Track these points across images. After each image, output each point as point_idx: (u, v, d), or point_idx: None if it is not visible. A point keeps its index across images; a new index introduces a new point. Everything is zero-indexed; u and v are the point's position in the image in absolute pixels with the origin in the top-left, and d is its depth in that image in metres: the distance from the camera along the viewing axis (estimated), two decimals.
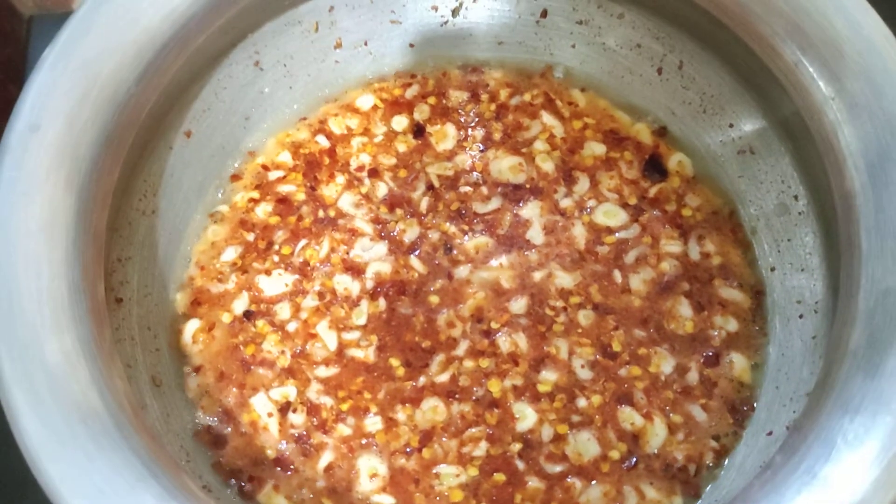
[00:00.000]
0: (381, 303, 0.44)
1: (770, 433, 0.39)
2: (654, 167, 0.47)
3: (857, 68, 0.36)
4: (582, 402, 0.42)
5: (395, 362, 0.42)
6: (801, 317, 0.41)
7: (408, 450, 0.41)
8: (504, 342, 0.43)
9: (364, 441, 0.41)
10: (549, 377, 0.42)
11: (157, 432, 0.39)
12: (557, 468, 0.40)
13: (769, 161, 0.44)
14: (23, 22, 0.63)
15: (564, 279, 0.44)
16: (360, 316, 0.43)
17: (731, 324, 0.43)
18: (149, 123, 0.41)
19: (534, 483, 0.40)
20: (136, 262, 0.42)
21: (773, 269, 0.44)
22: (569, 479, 0.40)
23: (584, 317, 0.43)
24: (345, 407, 0.42)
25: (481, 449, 0.41)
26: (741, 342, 0.43)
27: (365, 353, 0.43)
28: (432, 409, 0.42)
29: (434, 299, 0.44)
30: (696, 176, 0.47)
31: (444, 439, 0.41)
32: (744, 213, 0.45)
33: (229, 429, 0.41)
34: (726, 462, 0.41)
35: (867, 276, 0.33)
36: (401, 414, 0.41)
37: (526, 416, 0.41)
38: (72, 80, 0.36)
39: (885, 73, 0.35)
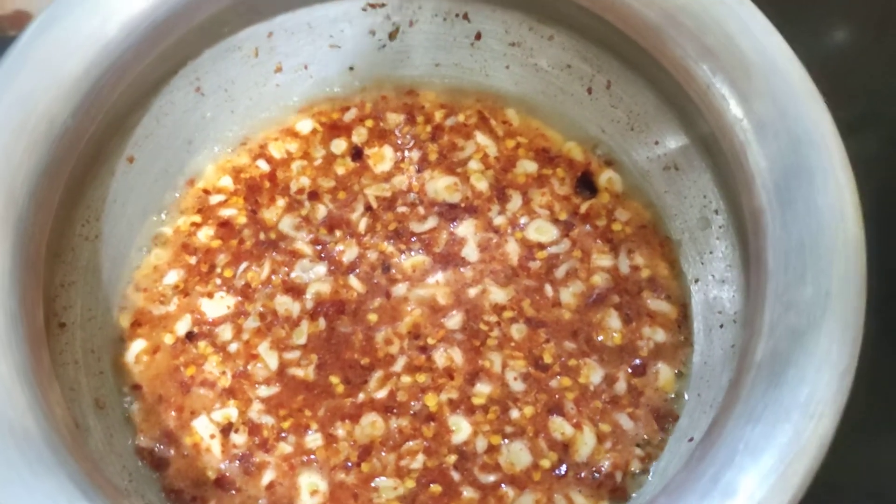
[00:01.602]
0: (321, 322, 0.45)
1: (691, 439, 0.41)
2: (586, 184, 0.48)
3: (763, 89, 0.38)
4: (515, 414, 0.43)
5: (334, 380, 0.44)
6: (721, 326, 0.43)
7: (348, 464, 0.42)
8: (440, 357, 0.44)
9: (305, 458, 0.42)
10: (483, 390, 0.43)
11: (100, 454, 0.40)
12: (491, 478, 0.42)
13: (692, 177, 0.46)
14: None
15: (498, 294, 0.46)
16: (301, 336, 0.45)
17: (659, 334, 0.45)
18: (90, 151, 0.42)
19: (468, 493, 0.42)
20: (80, 286, 0.43)
21: (696, 281, 0.46)
22: (502, 488, 0.42)
23: (517, 330, 0.45)
24: (286, 425, 0.43)
25: (418, 461, 0.42)
26: (668, 352, 0.45)
27: (305, 371, 0.44)
28: (371, 424, 0.43)
29: (373, 317, 0.45)
30: (625, 191, 0.48)
31: (382, 453, 0.42)
32: (670, 227, 0.47)
33: (171, 451, 0.43)
34: (651, 468, 0.42)
35: (771, 289, 0.35)
36: (340, 430, 0.43)
37: (461, 428, 0.43)
38: (7, 114, 0.37)
39: (788, 94, 0.37)
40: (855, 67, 0.57)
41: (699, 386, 0.43)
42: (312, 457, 0.42)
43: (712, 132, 0.41)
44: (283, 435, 0.43)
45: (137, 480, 0.41)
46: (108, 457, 0.40)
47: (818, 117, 0.37)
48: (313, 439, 0.43)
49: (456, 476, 0.42)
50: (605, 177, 0.49)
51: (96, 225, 0.44)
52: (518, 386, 0.44)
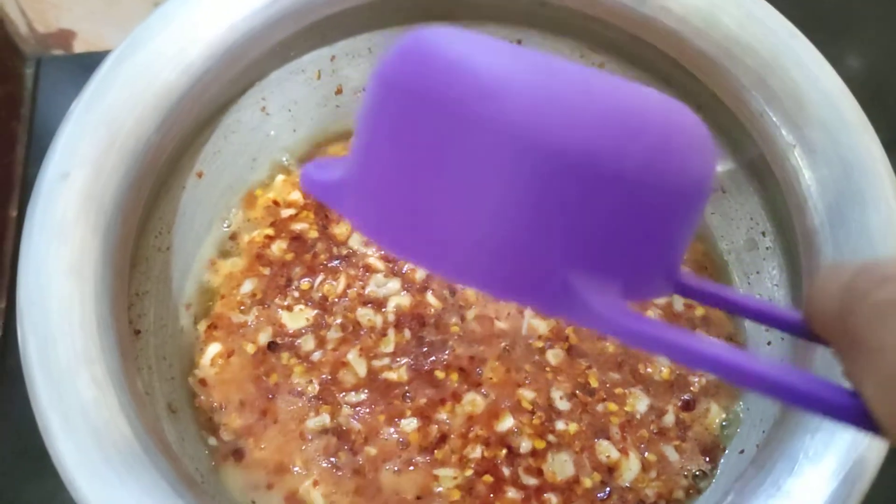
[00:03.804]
0: (407, 333, 0.47)
1: (742, 451, 0.43)
2: None
3: (816, 118, 0.40)
4: (560, 425, 0.45)
5: (440, 374, 0.46)
6: (769, 344, 0.45)
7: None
8: (488, 371, 0.46)
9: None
10: (528, 395, 0.45)
11: (177, 455, 0.41)
12: (532, 481, 0.43)
13: (739, 199, 0.48)
14: (24, 59, 0.66)
15: (540, 325, 0.47)
16: (388, 344, 0.46)
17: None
18: (165, 167, 0.44)
19: (512, 494, 0.43)
20: (153, 295, 0.45)
21: None
22: (545, 496, 0.43)
23: (554, 356, 0.46)
24: (381, 419, 0.45)
25: (477, 452, 0.44)
26: (719, 391, 0.46)
27: (398, 373, 0.46)
28: (471, 403, 0.45)
29: (455, 329, 0.47)
30: None
31: (452, 437, 0.44)
32: (716, 248, 0.49)
33: (250, 443, 0.44)
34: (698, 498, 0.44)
35: None
36: (443, 413, 0.45)
37: (505, 420, 0.44)
38: (97, 131, 0.39)
39: (840, 123, 0.39)
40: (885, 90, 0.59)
41: (748, 400, 0.44)
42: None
43: (762, 157, 0.43)
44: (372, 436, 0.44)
45: (209, 482, 0.43)
46: (182, 458, 0.42)
47: (868, 144, 0.39)
48: (408, 423, 0.44)
49: (506, 471, 0.43)
50: None
51: (168, 237, 0.46)
52: (564, 405, 0.45)
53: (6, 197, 0.61)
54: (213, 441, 0.45)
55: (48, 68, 0.66)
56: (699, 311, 0.48)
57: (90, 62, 0.65)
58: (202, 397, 0.45)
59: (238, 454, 0.44)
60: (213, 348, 0.46)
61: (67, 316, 0.36)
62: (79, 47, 0.67)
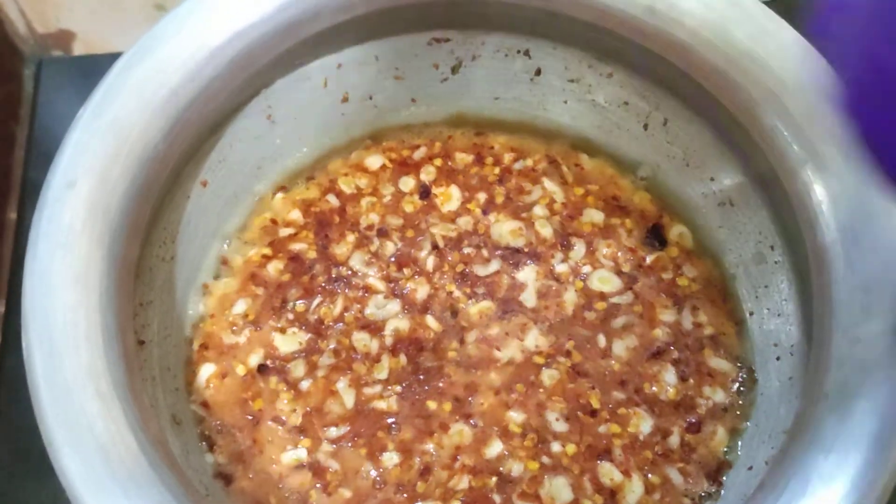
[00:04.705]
0: (402, 358, 0.46)
1: (750, 468, 0.43)
2: (656, 236, 0.50)
3: (829, 134, 0.39)
4: (556, 447, 0.44)
5: (431, 404, 0.45)
6: (778, 359, 0.45)
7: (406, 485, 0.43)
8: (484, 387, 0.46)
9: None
10: (516, 418, 0.45)
11: (181, 469, 0.41)
12: None
13: (747, 213, 0.47)
14: (23, 60, 0.66)
15: (541, 340, 0.47)
16: (382, 370, 0.46)
17: (719, 395, 0.46)
18: (171, 176, 0.44)
19: None
20: (156, 306, 0.45)
21: (751, 314, 0.47)
22: None
23: (549, 377, 0.46)
24: (362, 452, 0.44)
25: (464, 482, 0.43)
26: (726, 415, 0.46)
27: (387, 402, 0.45)
28: (458, 433, 0.44)
29: (453, 354, 0.46)
30: (696, 249, 0.50)
31: (436, 469, 0.44)
32: (724, 261, 0.49)
33: (241, 473, 0.44)
34: None
35: (838, 325, 0.37)
36: (429, 444, 0.44)
37: (493, 445, 0.44)
38: (105, 139, 0.39)
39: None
40: None
41: (757, 416, 0.44)
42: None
43: (772, 170, 0.42)
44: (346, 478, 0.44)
45: (214, 495, 0.42)
46: (186, 471, 0.41)
47: None
48: (389, 458, 0.44)
49: (497, 499, 0.43)
50: (677, 231, 0.50)
51: (172, 246, 0.46)
52: (560, 426, 0.45)
53: (5, 199, 0.60)
54: (209, 458, 0.44)
55: (49, 70, 0.65)
56: (707, 329, 0.47)
57: (91, 64, 0.65)
58: (203, 416, 0.45)
59: (227, 479, 0.44)
60: (207, 369, 0.46)
61: (73, 328, 0.35)
62: (78, 48, 0.67)
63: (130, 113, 0.39)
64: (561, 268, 0.49)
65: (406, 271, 0.49)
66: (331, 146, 0.52)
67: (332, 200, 0.51)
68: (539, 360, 0.46)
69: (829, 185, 0.39)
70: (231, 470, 0.44)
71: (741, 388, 0.46)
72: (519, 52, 0.51)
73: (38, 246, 0.37)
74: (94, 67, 0.64)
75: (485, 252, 0.49)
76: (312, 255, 0.49)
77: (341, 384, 0.46)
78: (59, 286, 0.36)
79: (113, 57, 0.41)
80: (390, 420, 0.45)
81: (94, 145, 0.38)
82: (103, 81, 0.40)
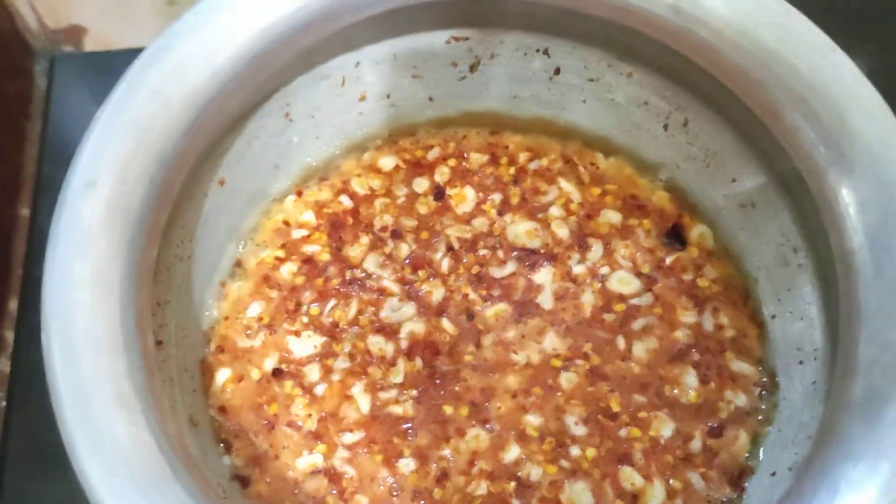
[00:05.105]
0: (418, 362, 0.46)
1: (773, 473, 0.42)
2: (675, 236, 0.49)
3: (857, 137, 0.39)
4: (575, 451, 0.44)
5: (448, 409, 0.45)
6: (801, 363, 0.44)
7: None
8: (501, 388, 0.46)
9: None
10: (533, 421, 0.45)
11: (201, 471, 0.41)
12: None
13: (769, 215, 0.47)
14: (33, 55, 0.66)
15: (558, 343, 0.47)
16: (398, 374, 0.46)
17: (741, 399, 0.45)
18: (189, 175, 0.43)
19: None
20: (174, 305, 0.44)
21: (773, 317, 0.47)
22: None
23: (566, 380, 0.45)
24: (377, 458, 0.44)
25: (482, 488, 0.43)
26: (748, 419, 0.45)
27: (403, 407, 0.45)
28: (475, 438, 0.44)
29: (469, 358, 0.46)
30: (716, 249, 0.49)
31: (455, 476, 0.43)
32: (745, 264, 0.48)
33: (256, 473, 0.43)
34: None
35: (866, 330, 0.36)
36: (446, 449, 0.44)
37: (510, 449, 0.44)
38: (124, 137, 0.38)
39: (880, 140, 0.38)
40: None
41: (780, 421, 0.44)
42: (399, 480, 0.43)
43: (795, 171, 0.42)
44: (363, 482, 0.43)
45: (231, 497, 0.42)
46: (205, 473, 0.41)
47: None
48: (405, 464, 0.43)
49: None
50: (697, 231, 0.50)
51: (189, 245, 0.46)
52: (579, 430, 0.44)
53: (17, 196, 0.60)
54: (226, 460, 0.44)
55: (61, 66, 0.65)
56: (729, 332, 0.47)
57: (104, 61, 0.65)
58: (220, 420, 0.45)
59: (245, 482, 0.43)
60: (223, 374, 0.46)
61: (93, 330, 0.35)
62: (89, 44, 0.66)
63: (150, 112, 0.39)
64: (578, 269, 0.49)
65: (421, 273, 0.48)
66: (347, 144, 0.52)
67: (346, 202, 0.50)
68: (557, 363, 0.46)
69: (857, 188, 0.38)
70: (248, 473, 0.43)
71: (763, 392, 0.46)
72: (538, 50, 0.50)
73: (58, 246, 0.36)
74: (107, 64, 0.65)
75: (500, 253, 0.49)
76: (326, 257, 0.49)
77: (356, 389, 0.45)
78: (79, 287, 0.35)
79: (125, 53, 0.41)
80: (406, 425, 0.44)
81: (114, 145, 0.38)
82: (122, 80, 0.40)
